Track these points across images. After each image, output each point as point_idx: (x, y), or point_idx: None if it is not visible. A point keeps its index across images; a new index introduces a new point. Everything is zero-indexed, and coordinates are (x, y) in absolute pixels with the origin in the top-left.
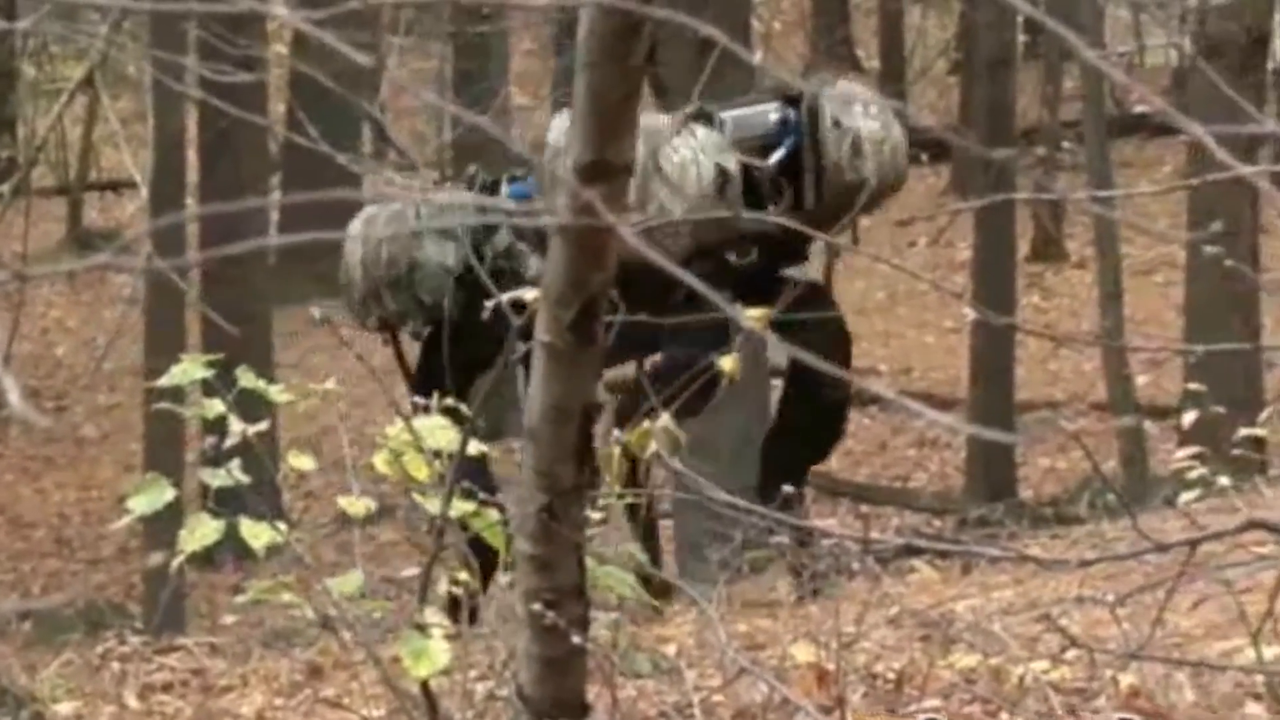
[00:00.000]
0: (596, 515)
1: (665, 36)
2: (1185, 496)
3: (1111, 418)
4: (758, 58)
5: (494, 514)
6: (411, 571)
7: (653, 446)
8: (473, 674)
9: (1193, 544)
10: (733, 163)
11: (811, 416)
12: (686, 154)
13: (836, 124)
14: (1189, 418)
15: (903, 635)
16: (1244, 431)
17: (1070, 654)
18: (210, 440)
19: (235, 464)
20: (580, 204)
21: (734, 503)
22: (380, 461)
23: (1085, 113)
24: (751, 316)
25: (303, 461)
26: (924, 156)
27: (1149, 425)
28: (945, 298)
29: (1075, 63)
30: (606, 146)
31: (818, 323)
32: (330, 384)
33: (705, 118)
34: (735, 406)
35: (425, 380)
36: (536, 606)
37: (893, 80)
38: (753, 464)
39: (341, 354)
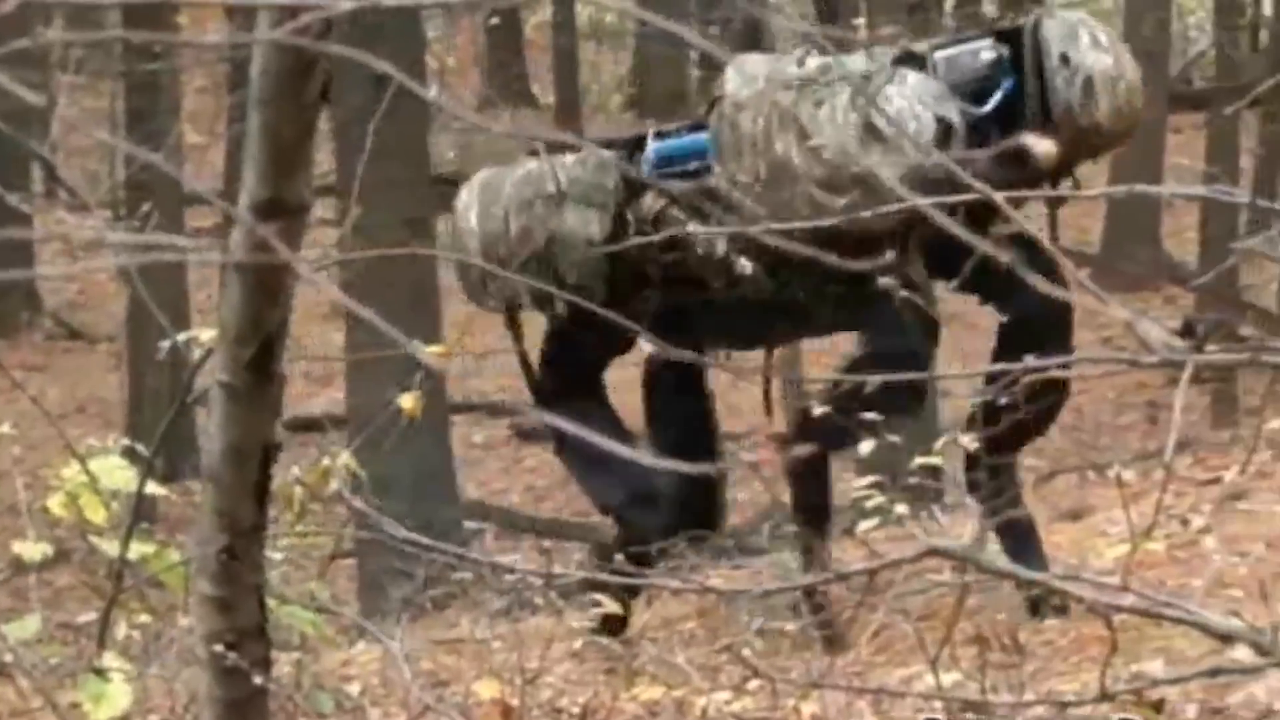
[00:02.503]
0: (278, 555)
1: (340, 72)
2: (864, 525)
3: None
4: (433, 93)
5: (174, 555)
6: (90, 616)
7: (334, 484)
8: (154, 717)
9: (872, 572)
10: (954, 112)
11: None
12: (902, 104)
13: (1065, 60)
14: (866, 447)
15: (587, 669)
16: (920, 460)
17: (752, 684)
18: None
19: None
20: (256, 241)
21: (415, 539)
22: (56, 504)
23: None
24: (431, 352)
25: None
26: None
27: None
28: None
29: None
30: (282, 184)
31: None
32: (4, 428)
33: (916, 60)
34: (415, 442)
35: (557, 369)
36: (217, 648)
37: (568, 117)
38: (435, 500)
39: (15, 395)
